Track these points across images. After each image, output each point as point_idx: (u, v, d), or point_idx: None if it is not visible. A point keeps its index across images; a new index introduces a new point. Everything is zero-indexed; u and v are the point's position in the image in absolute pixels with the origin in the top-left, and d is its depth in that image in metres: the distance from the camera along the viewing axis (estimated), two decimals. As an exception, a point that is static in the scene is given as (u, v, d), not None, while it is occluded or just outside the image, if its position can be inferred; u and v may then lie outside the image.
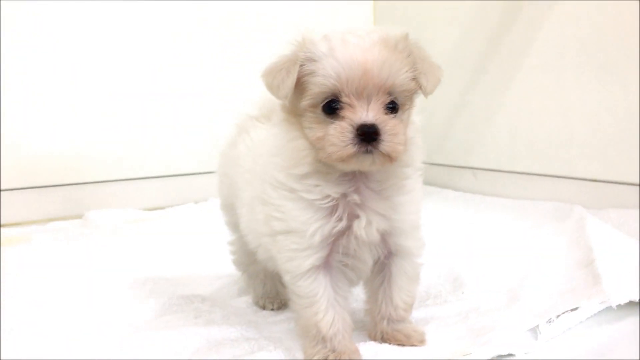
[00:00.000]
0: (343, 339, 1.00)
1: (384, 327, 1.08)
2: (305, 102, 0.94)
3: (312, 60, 0.93)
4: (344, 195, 0.96)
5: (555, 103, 2.26)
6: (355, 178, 0.97)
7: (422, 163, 1.05)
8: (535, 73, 2.33)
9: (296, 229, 0.96)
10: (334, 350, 0.99)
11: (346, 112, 0.91)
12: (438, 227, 2.01)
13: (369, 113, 0.90)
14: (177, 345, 1.08)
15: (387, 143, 0.90)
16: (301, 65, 0.94)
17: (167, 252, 1.86)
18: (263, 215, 1.03)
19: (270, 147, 1.02)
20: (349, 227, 0.97)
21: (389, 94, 0.93)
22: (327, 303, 0.99)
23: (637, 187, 2.02)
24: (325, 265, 0.99)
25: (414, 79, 0.95)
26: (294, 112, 0.98)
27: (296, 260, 0.97)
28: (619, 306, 1.17)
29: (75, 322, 1.26)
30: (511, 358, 1.00)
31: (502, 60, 2.46)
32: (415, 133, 1.02)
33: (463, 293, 1.33)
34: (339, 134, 0.90)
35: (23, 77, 2.33)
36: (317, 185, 0.96)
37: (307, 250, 0.96)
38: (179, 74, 2.65)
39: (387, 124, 0.91)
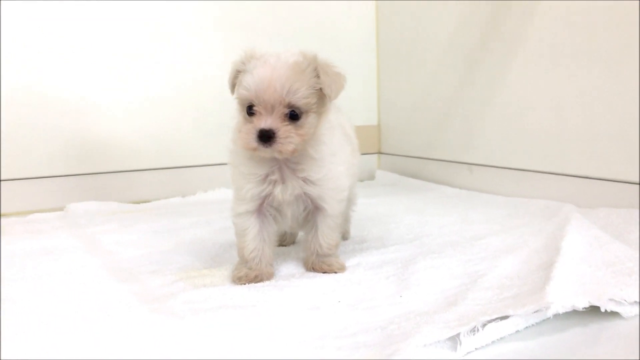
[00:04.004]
0: (260, 262, 1.37)
1: (313, 260, 1.43)
2: (237, 104, 1.30)
3: (243, 72, 1.28)
4: (267, 173, 1.34)
5: (550, 99, 2.12)
6: (278, 161, 1.32)
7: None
8: (530, 68, 2.19)
9: (237, 188, 1.38)
10: (250, 269, 1.36)
11: (255, 118, 1.25)
12: (417, 223, 1.92)
13: (268, 121, 1.23)
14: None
15: (278, 144, 1.23)
16: (238, 72, 1.30)
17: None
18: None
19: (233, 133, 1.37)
20: (271, 192, 1.34)
21: (289, 106, 1.23)
22: (252, 237, 1.36)
23: (636, 186, 1.87)
24: (258, 213, 1.37)
25: (319, 89, 1.26)
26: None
27: (235, 207, 1.38)
28: (559, 315, 1.06)
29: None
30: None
31: (496, 56, 2.33)
32: (328, 130, 1.35)
33: (401, 297, 1.22)
34: (248, 133, 1.24)
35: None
36: (248, 164, 1.34)
37: (241, 201, 1.36)
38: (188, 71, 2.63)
39: (280, 130, 1.23)
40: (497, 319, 1.02)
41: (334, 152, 1.37)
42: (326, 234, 1.42)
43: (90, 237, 1.85)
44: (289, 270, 1.45)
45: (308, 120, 1.26)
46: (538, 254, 1.46)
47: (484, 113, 2.42)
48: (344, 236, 1.74)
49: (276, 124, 1.22)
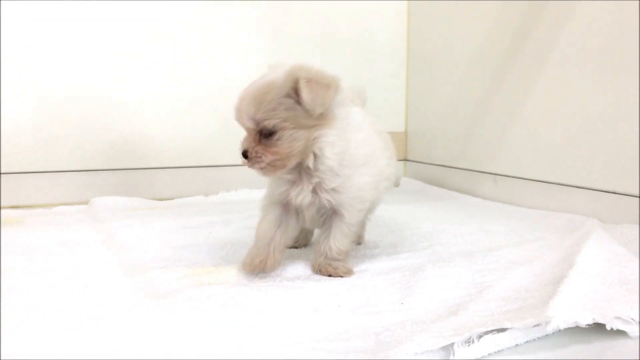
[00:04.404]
0: (262, 247, 1.39)
1: (321, 261, 1.42)
2: None
3: None
4: (289, 178, 1.38)
5: (578, 110, 2.07)
6: (298, 167, 1.35)
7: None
8: (559, 78, 2.14)
9: (268, 187, 1.45)
10: (258, 249, 1.40)
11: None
12: (433, 232, 1.89)
13: (244, 141, 1.31)
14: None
15: (251, 162, 1.30)
16: None
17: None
18: None
19: None
20: (289, 195, 1.39)
21: (258, 126, 1.27)
22: (268, 220, 1.41)
23: (664, 202, 1.80)
24: (283, 208, 1.42)
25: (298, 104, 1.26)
26: None
27: (263, 200, 1.46)
28: (562, 331, 1.02)
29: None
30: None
31: (525, 64, 2.29)
32: (348, 139, 1.35)
33: (402, 304, 1.20)
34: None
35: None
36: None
37: (268, 198, 1.44)
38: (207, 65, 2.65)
39: (252, 151, 1.29)
40: (494, 331, 0.99)
41: (360, 163, 1.36)
42: (338, 238, 1.41)
43: (108, 231, 1.88)
44: (296, 272, 1.44)
45: (285, 137, 1.27)
46: (552, 267, 1.43)
47: (511, 123, 2.38)
48: (357, 241, 1.73)
49: (248, 143, 1.29)
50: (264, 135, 1.27)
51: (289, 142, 1.28)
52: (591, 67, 2.01)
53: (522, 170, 2.33)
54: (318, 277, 1.41)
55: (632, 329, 1.05)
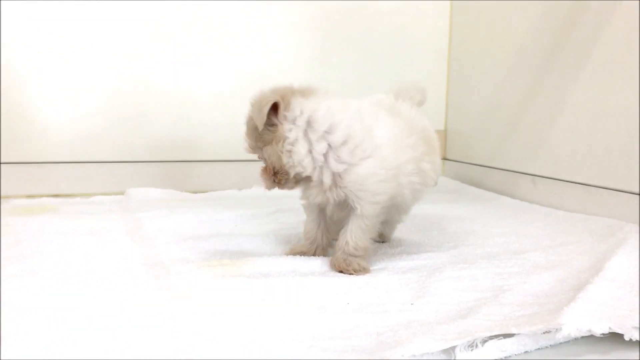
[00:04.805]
0: (307, 245, 1.53)
1: (338, 256, 1.42)
2: None
3: None
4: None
5: (621, 110, 1.97)
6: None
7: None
8: (601, 77, 2.04)
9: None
10: (304, 241, 1.55)
11: None
12: (462, 232, 1.84)
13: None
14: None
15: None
16: None
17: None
18: None
19: None
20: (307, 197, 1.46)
21: (254, 152, 1.44)
22: (310, 224, 1.52)
23: None
24: (319, 207, 1.49)
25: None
26: None
27: (302, 201, 1.52)
28: (577, 340, 0.97)
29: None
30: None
31: (568, 63, 2.19)
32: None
33: (412, 304, 1.16)
34: None
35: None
36: None
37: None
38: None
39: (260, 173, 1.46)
40: (499, 336, 0.95)
41: (359, 155, 1.36)
42: (355, 233, 1.40)
43: (136, 221, 1.90)
44: (312, 268, 1.42)
45: (265, 156, 1.40)
46: (579, 273, 1.36)
47: (552, 123, 2.29)
48: (383, 239, 1.70)
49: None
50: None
51: (268, 158, 1.39)
52: (636, 66, 1.91)
53: (562, 171, 2.24)
54: (332, 273, 1.38)
55: (652, 341, 0.99)
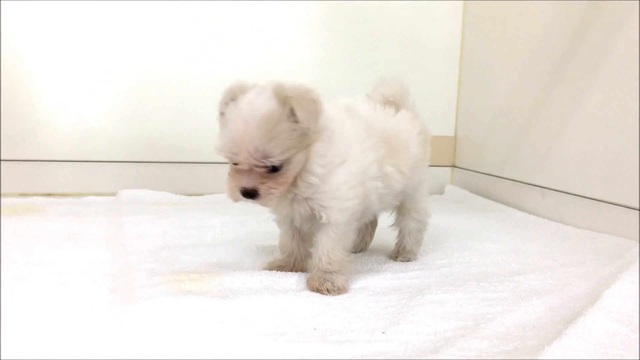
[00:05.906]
0: (282, 253, 1.45)
1: (314, 274, 1.32)
2: None
3: (224, 115, 1.23)
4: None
5: (635, 122, 1.84)
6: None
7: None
8: (615, 87, 1.91)
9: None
10: (279, 260, 1.45)
11: (236, 172, 1.21)
12: (459, 248, 1.74)
13: (250, 180, 1.19)
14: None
15: (262, 199, 1.21)
16: (222, 114, 1.26)
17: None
18: None
19: None
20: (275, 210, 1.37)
21: (269, 161, 1.16)
22: (283, 237, 1.43)
23: None
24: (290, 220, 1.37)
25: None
26: None
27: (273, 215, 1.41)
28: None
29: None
30: None
31: (580, 71, 2.07)
32: (325, 143, 1.25)
33: (383, 333, 1.06)
34: (232, 189, 1.22)
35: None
36: None
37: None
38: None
39: (262, 188, 1.19)
40: (469, 376, 0.85)
41: (337, 163, 1.27)
42: (325, 245, 1.30)
43: (117, 226, 1.84)
44: (287, 285, 1.33)
45: (292, 166, 1.21)
46: (574, 301, 1.25)
47: (564, 134, 2.16)
48: (409, 257, 1.60)
49: (256, 182, 1.19)
50: (272, 170, 1.19)
51: (295, 167, 1.22)
52: (652, 73, 1.78)
53: (573, 185, 2.11)
54: (307, 293, 1.29)
55: (644, 387, 0.88)
